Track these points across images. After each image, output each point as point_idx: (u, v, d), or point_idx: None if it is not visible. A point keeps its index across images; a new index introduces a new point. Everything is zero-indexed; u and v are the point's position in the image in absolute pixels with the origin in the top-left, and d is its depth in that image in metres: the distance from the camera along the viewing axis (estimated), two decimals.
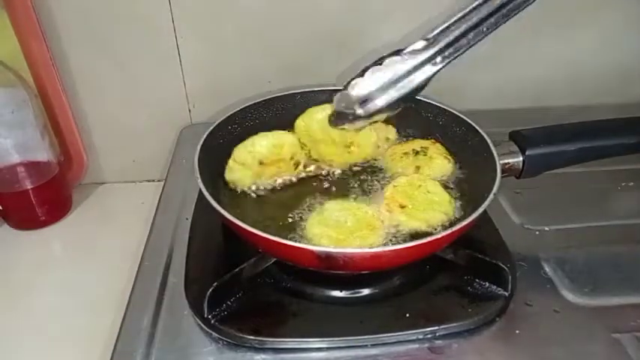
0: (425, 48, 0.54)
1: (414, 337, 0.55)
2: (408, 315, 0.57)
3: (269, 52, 0.87)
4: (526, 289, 0.61)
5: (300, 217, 0.63)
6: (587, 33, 0.92)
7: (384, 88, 0.55)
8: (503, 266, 0.59)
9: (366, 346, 0.55)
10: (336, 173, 0.72)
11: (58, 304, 0.69)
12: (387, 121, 0.71)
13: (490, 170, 0.62)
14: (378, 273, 0.61)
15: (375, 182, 0.70)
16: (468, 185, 0.68)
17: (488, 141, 0.66)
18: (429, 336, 0.56)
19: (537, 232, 0.71)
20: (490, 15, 0.52)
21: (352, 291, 0.60)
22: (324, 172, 0.72)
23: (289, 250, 0.53)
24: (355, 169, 0.73)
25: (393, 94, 0.55)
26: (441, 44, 0.53)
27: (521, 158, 0.65)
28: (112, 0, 0.78)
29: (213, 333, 0.56)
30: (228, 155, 0.68)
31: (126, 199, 0.91)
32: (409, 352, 0.54)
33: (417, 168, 0.70)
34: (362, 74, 0.55)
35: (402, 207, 0.62)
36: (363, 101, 0.56)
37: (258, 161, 0.68)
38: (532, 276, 0.63)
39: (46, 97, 0.82)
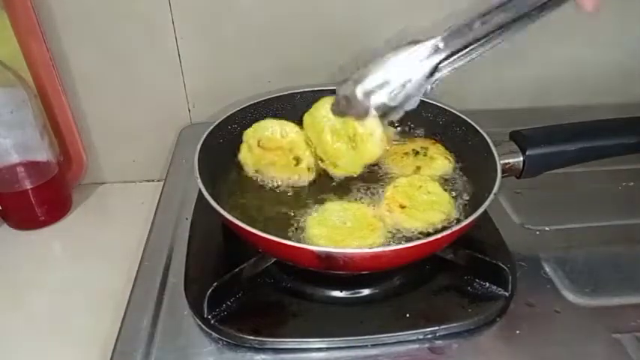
0: (434, 50, 0.54)
1: (414, 338, 0.55)
2: (408, 315, 0.57)
3: (269, 52, 0.87)
4: (526, 290, 0.61)
5: (301, 217, 0.63)
6: (588, 33, 0.91)
7: (388, 81, 0.56)
8: (503, 266, 0.59)
9: (366, 346, 0.55)
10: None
11: (58, 304, 0.69)
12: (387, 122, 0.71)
13: (490, 170, 0.62)
14: (378, 273, 0.61)
15: (375, 182, 0.70)
16: (469, 185, 0.68)
17: (489, 141, 0.66)
18: (429, 336, 0.55)
19: (537, 232, 0.71)
20: (503, 25, 0.52)
21: (352, 291, 0.60)
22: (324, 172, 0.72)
23: (289, 250, 0.53)
24: None
25: (395, 88, 0.56)
26: (451, 48, 0.53)
27: (521, 158, 0.65)
28: (111, 0, 0.78)
29: (213, 333, 0.55)
30: (228, 155, 0.68)
31: (126, 199, 0.91)
32: (409, 353, 0.54)
33: (418, 168, 0.70)
34: (367, 65, 0.56)
35: (403, 207, 0.62)
36: (367, 92, 0.57)
37: (257, 141, 0.69)
38: (532, 276, 0.63)
39: (45, 97, 0.82)
